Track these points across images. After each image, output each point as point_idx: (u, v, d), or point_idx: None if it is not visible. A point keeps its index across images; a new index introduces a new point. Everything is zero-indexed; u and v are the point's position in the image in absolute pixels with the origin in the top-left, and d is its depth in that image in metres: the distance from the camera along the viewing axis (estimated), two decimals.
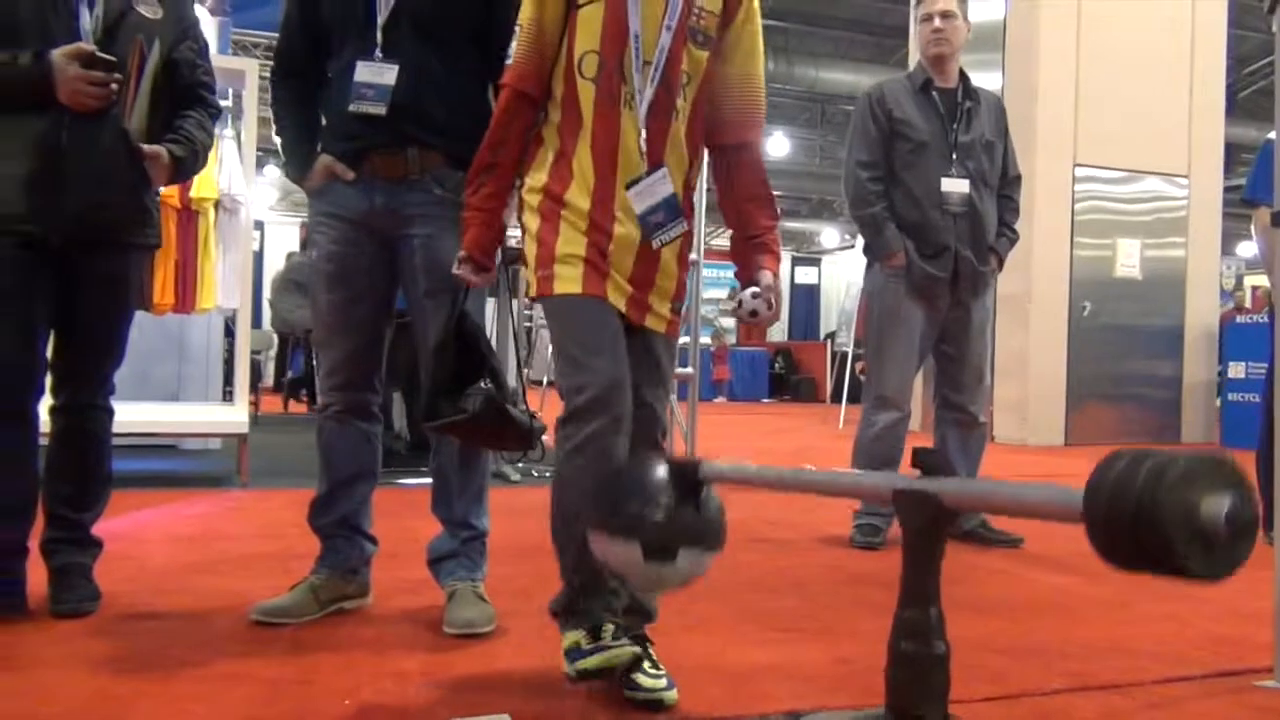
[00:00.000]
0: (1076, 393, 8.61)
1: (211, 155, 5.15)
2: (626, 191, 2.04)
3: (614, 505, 1.68)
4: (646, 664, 2.00)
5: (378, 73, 2.45)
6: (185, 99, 2.68)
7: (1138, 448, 1.03)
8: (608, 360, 1.98)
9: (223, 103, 3.93)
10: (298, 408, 10.63)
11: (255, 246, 12.25)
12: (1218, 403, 9.08)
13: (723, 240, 25.39)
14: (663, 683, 1.98)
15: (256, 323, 6.64)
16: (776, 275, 2.16)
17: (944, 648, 1.27)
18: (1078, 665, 2.35)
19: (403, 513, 3.53)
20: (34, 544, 2.60)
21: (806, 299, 24.17)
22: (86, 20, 2.48)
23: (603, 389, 1.95)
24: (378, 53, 2.45)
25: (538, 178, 2.10)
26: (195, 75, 2.70)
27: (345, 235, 2.52)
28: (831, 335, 16.65)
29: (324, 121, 2.62)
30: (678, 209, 2.06)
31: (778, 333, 23.17)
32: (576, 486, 1.95)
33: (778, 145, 20.02)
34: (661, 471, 1.67)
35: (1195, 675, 2.30)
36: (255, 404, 7.89)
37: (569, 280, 2.02)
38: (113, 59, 2.43)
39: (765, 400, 17.59)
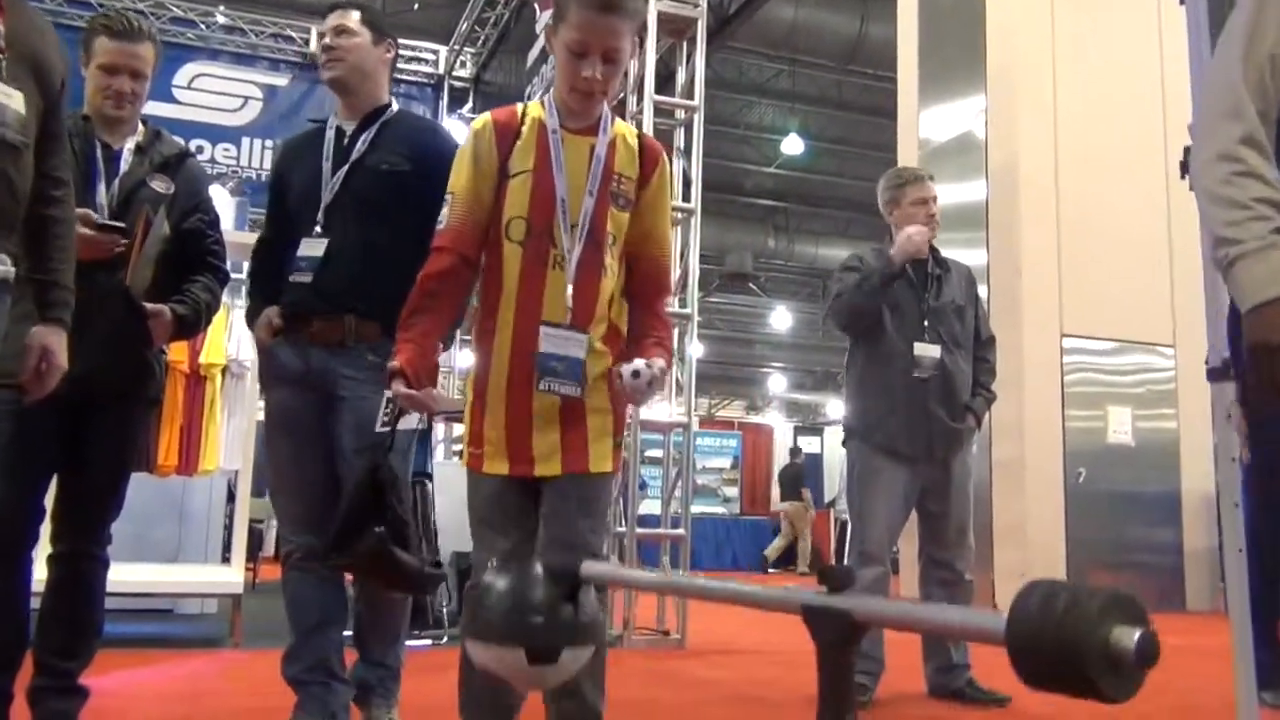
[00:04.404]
0: (1077, 560, 8.56)
1: (221, 322, 5.44)
2: (541, 328, 2.13)
3: (494, 613, 1.73)
4: None
5: (311, 247, 2.72)
6: (195, 265, 2.90)
7: (1051, 581, 1.12)
8: (512, 540, 2.16)
9: (237, 275, 4.16)
10: None
11: (262, 417, 12.39)
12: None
13: (726, 411, 25.62)
14: None
15: (259, 492, 6.65)
16: (668, 364, 2.19)
17: None
18: None
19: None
20: (20, 690, 2.65)
21: (811, 469, 24.03)
22: (102, 194, 2.73)
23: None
24: (316, 229, 2.72)
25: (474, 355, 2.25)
26: (205, 244, 2.92)
27: (290, 392, 2.75)
28: (832, 502, 16.60)
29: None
30: (579, 376, 2.14)
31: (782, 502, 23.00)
32: None
33: (780, 319, 20.47)
34: (539, 575, 1.73)
35: None
36: (254, 570, 7.88)
37: (496, 461, 2.17)
38: (120, 225, 2.65)
39: (771, 570, 17.38)
